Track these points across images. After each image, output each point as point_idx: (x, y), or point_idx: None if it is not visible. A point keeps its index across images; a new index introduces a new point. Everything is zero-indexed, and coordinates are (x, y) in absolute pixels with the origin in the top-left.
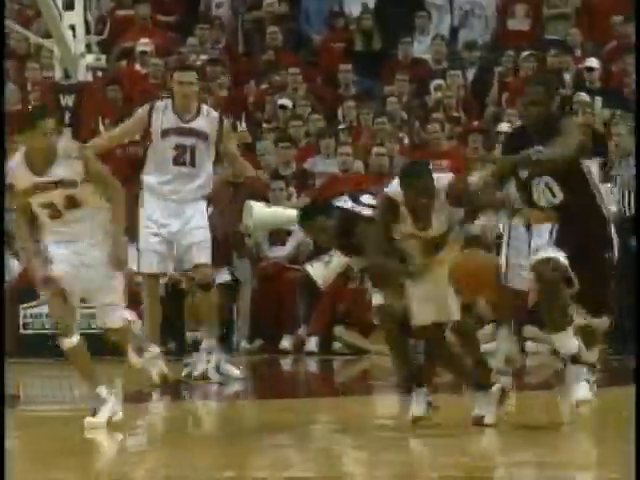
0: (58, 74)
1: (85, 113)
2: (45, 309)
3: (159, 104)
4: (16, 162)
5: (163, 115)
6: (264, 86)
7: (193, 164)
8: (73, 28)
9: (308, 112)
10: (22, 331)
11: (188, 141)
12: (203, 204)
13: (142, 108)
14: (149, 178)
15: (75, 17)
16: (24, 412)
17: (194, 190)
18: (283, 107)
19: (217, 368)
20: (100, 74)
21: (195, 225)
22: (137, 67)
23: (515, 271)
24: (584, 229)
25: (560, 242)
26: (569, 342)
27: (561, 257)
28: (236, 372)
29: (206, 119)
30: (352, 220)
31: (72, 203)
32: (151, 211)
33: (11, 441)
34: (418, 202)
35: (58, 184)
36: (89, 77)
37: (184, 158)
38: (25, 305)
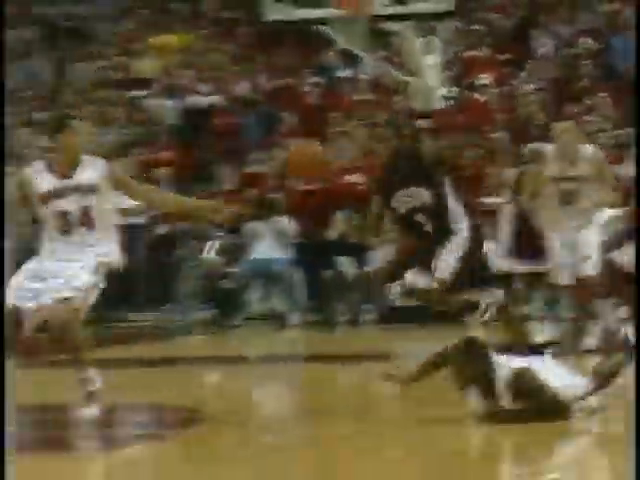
0: (418, 104)
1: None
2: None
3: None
4: None
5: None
6: (577, 110)
7: None
8: (431, 68)
9: (610, 128)
10: (396, 304)
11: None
12: None
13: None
14: None
15: (433, 59)
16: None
17: None
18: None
19: None
20: (450, 102)
21: None
22: (477, 96)
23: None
24: None
25: None
26: None
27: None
28: None
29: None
30: None
31: None
32: None
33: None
34: None
35: None
36: (442, 105)
37: None
38: (397, 282)
